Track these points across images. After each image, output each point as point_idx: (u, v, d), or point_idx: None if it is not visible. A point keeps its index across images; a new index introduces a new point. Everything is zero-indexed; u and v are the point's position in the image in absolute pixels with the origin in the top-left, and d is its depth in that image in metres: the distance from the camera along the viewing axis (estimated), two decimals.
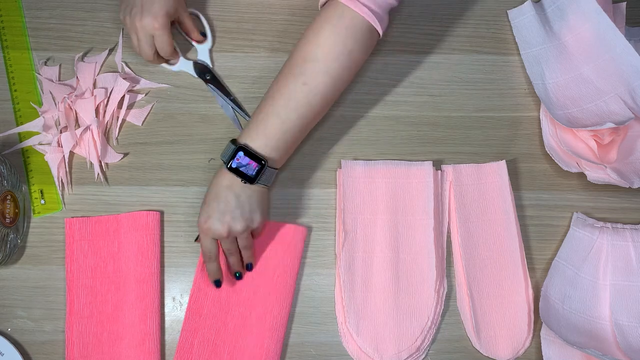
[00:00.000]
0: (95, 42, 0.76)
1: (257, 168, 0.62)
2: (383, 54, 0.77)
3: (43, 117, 0.72)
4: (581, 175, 0.73)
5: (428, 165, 0.72)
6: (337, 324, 0.69)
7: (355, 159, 0.72)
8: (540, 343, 0.68)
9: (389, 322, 0.67)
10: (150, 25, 0.67)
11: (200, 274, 0.68)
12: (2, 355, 0.65)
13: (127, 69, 0.75)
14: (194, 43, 0.76)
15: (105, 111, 0.73)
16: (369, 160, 0.72)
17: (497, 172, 0.73)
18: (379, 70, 0.76)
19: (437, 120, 0.76)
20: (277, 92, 0.64)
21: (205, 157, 0.73)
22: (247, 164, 0.62)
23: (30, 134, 0.72)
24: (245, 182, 0.62)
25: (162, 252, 0.70)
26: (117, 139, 0.73)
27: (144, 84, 0.75)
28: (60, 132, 0.71)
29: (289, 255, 0.69)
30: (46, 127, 0.72)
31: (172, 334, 0.68)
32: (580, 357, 0.67)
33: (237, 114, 0.74)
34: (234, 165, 0.62)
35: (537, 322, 0.69)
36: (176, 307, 0.69)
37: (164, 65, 0.75)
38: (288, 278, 0.68)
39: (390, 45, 0.77)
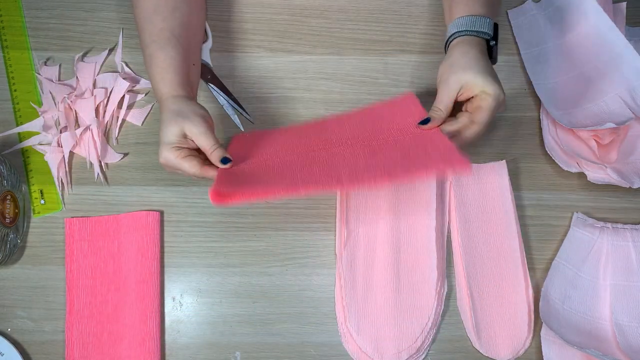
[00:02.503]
0: (95, 42, 0.76)
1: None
2: (383, 54, 0.77)
3: (43, 117, 0.72)
4: (581, 175, 0.73)
5: None
6: (337, 324, 0.68)
7: None
8: (540, 343, 0.68)
9: (390, 322, 0.67)
10: (162, 162, 0.61)
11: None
12: (2, 355, 0.65)
13: (127, 69, 0.75)
14: None
15: (105, 111, 0.73)
16: None
17: (497, 172, 0.73)
18: (379, 70, 0.76)
19: None
20: None
21: None
22: None
23: (30, 134, 0.72)
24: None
25: (162, 252, 0.70)
26: (117, 139, 0.73)
27: (144, 84, 0.75)
28: (60, 132, 0.71)
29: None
30: (46, 127, 0.72)
31: (172, 334, 0.68)
32: (580, 357, 0.67)
33: (237, 113, 0.74)
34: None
35: (537, 322, 0.69)
36: (176, 307, 0.69)
37: None
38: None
39: (390, 45, 0.77)
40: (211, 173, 0.61)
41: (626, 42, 0.72)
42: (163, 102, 0.62)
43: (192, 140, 0.61)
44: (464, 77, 0.62)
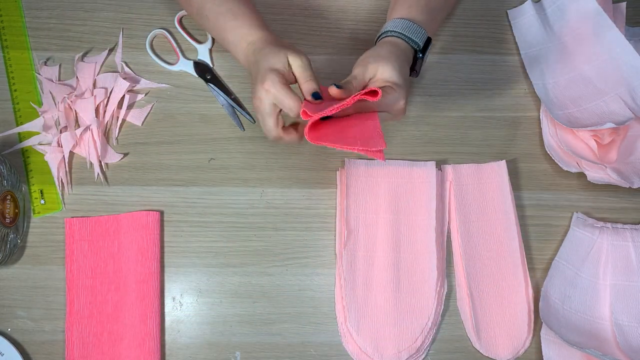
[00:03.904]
0: (95, 42, 0.76)
1: None
2: None
3: (43, 117, 0.72)
4: (581, 175, 0.73)
5: (431, 166, 0.72)
6: (337, 324, 0.68)
7: (357, 159, 0.73)
8: (540, 343, 0.68)
9: (390, 322, 0.67)
10: (266, 87, 0.60)
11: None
12: (2, 355, 0.65)
13: (127, 69, 0.75)
14: (194, 43, 0.76)
15: (105, 111, 0.73)
16: (370, 159, 0.72)
17: (497, 172, 0.73)
18: None
19: (437, 120, 0.76)
20: None
21: (205, 157, 0.73)
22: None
23: (30, 134, 0.72)
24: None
25: (162, 252, 0.70)
26: (117, 139, 0.73)
27: (144, 84, 0.75)
28: (60, 132, 0.71)
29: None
30: (46, 127, 0.72)
31: (172, 334, 0.68)
32: (580, 357, 0.67)
33: (237, 113, 0.74)
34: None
35: (537, 322, 0.69)
36: (176, 307, 0.69)
37: (164, 65, 0.75)
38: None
39: None
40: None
41: (626, 42, 0.72)
42: (260, 41, 0.63)
43: (292, 72, 0.61)
44: (383, 67, 0.61)
